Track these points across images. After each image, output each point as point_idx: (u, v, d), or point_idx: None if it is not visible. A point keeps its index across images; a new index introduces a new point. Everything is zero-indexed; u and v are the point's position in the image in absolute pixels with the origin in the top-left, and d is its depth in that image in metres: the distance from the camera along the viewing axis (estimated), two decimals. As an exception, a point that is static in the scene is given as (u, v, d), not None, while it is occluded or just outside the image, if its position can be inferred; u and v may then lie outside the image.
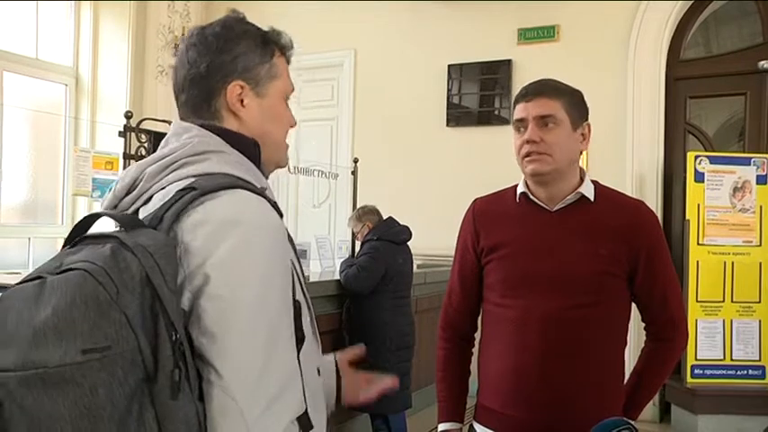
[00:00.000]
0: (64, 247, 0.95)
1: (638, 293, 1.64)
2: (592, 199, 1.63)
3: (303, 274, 1.10)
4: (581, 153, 1.66)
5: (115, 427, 0.81)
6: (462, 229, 1.78)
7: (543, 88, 1.61)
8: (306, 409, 0.98)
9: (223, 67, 1.07)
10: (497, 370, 1.64)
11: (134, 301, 0.83)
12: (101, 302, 0.81)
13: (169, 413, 0.83)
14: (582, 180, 1.65)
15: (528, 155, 1.59)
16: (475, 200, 1.78)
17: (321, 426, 1.06)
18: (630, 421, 1.44)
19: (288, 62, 1.17)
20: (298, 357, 0.99)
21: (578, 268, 1.57)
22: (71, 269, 0.84)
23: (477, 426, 1.70)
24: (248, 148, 1.07)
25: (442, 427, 1.75)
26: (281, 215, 1.02)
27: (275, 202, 1.02)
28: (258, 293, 0.91)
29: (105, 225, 0.99)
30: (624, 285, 1.62)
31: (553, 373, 1.55)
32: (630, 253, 1.59)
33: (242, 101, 1.08)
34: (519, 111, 1.62)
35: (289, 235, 1.07)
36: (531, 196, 1.65)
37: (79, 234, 0.95)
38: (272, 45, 1.12)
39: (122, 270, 0.84)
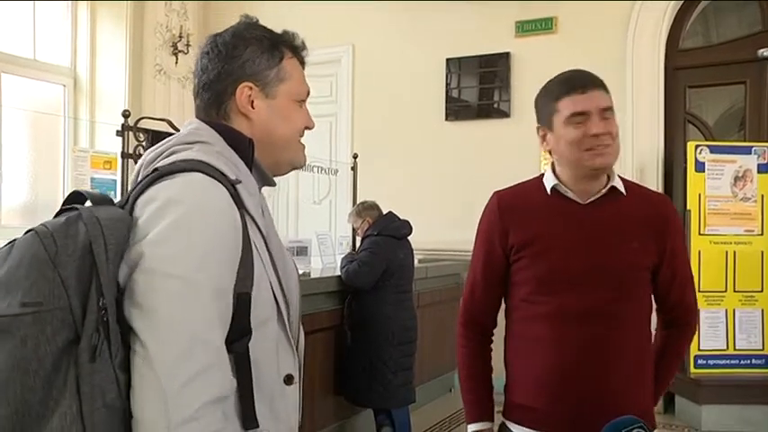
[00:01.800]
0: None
1: (660, 283, 1.64)
2: (624, 192, 1.63)
3: (278, 271, 1.10)
4: None
5: (40, 383, 0.86)
6: (485, 222, 1.72)
7: (594, 80, 1.59)
8: (253, 407, 1.01)
9: (232, 72, 1.13)
10: (536, 367, 1.60)
11: (72, 263, 0.89)
12: (40, 261, 0.88)
13: (86, 375, 0.87)
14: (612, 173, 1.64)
15: (592, 148, 1.55)
16: (497, 193, 1.73)
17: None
18: (641, 420, 1.44)
19: (302, 63, 1.21)
20: (245, 348, 1.01)
21: (613, 262, 1.56)
22: (30, 230, 0.92)
23: (510, 425, 1.66)
24: (241, 144, 1.11)
25: (472, 427, 1.70)
26: (241, 207, 1.03)
27: (237, 194, 1.03)
28: (190, 271, 0.93)
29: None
30: (650, 277, 1.62)
31: (596, 368, 1.54)
32: (658, 245, 1.60)
33: (252, 102, 1.13)
34: (578, 103, 1.56)
35: (262, 230, 1.08)
36: (563, 188, 1.62)
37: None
38: (281, 48, 1.17)
39: (70, 236, 0.91)
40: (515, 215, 1.66)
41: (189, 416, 0.89)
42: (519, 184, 1.74)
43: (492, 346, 1.78)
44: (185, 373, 0.90)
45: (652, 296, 1.67)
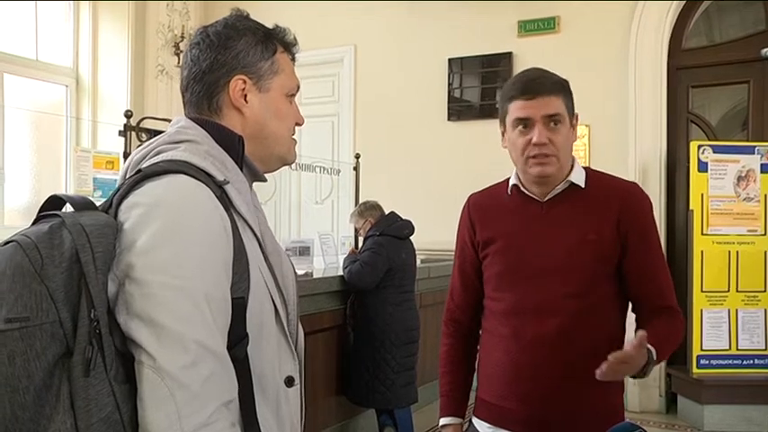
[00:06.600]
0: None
1: (627, 275, 1.57)
2: (582, 185, 1.60)
3: (275, 273, 1.08)
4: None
5: (31, 399, 0.83)
6: (460, 225, 1.78)
7: (544, 85, 1.54)
8: (255, 413, 0.99)
9: (225, 63, 1.09)
10: (490, 363, 1.65)
11: (59, 275, 0.86)
12: (25, 273, 0.84)
13: (80, 390, 0.84)
14: (572, 168, 1.62)
15: (534, 156, 1.54)
16: (470, 195, 1.78)
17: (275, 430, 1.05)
18: (641, 425, 1.43)
19: (293, 59, 1.19)
20: (246, 354, 0.99)
21: (566, 258, 1.55)
22: (10, 242, 0.88)
23: (475, 420, 1.70)
24: (231, 141, 1.08)
25: (443, 421, 1.75)
26: (230, 208, 1.00)
27: (225, 195, 1.01)
28: (185, 278, 0.90)
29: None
30: (613, 271, 1.57)
31: (545, 365, 1.54)
32: (617, 234, 1.55)
33: (245, 96, 1.10)
34: (521, 109, 1.54)
35: (255, 231, 1.05)
36: (523, 188, 1.64)
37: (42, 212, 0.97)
38: (274, 41, 1.14)
39: (55, 246, 0.87)
40: (481, 213, 1.71)
41: (201, 422, 0.88)
42: (492, 185, 1.77)
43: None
44: (195, 380, 0.88)
45: (628, 294, 1.61)
